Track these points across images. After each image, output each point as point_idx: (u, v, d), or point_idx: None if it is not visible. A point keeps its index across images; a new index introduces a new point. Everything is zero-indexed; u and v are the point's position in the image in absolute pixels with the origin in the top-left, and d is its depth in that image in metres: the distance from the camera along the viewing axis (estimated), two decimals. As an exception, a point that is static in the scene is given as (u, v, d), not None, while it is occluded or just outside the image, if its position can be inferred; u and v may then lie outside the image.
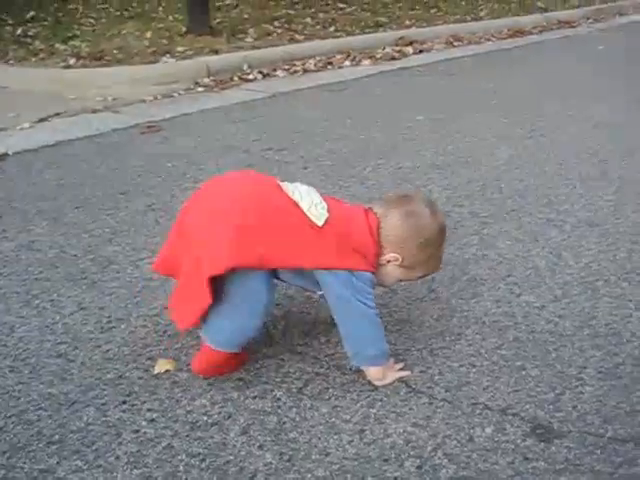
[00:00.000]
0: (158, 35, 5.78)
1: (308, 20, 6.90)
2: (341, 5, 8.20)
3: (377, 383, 1.61)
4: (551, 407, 1.53)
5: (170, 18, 6.61)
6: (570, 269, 2.20)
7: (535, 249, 2.34)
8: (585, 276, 2.15)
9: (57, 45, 5.42)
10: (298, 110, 4.09)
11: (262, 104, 4.31)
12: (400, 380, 1.62)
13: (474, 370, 1.67)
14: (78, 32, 5.93)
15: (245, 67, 5.03)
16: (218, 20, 6.43)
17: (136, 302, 1.96)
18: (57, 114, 4.01)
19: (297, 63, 5.35)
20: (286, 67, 5.24)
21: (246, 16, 7.00)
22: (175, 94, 4.53)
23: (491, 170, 3.11)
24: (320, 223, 1.54)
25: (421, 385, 1.61)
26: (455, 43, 6.93)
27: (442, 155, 3.30)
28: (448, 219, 2.52)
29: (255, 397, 1.56)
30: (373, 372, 1.61)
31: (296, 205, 1.56)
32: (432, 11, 8.39)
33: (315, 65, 5.34)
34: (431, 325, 1.87)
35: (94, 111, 4.11)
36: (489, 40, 7.32)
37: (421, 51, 6.36)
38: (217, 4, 7.28)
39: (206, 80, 4.78)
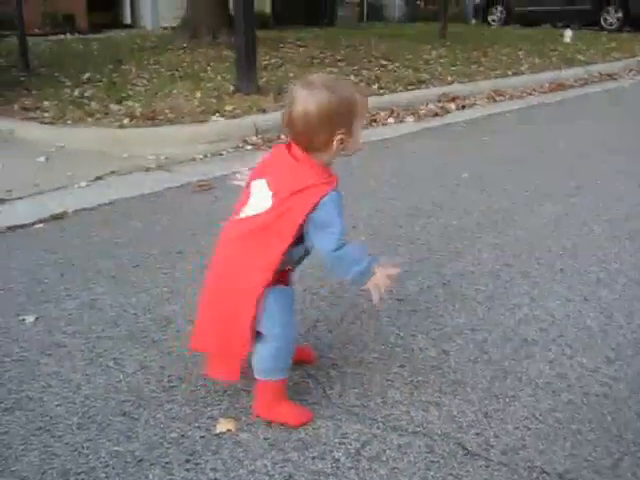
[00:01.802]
0: (207, 95, 5.97)
1: (352, 78, 7.05)
2: (384, 62, 8.37)
3: (375, 296, 1.66)
4: (609, 472, 1.54)
5: (219, 78, 6.83)
6: (622, 330, 2.21)
7: (586, 309, 2.35)
8: (638, 337, 2.16)
9: (111, 105, 5.64)
10: (343, 169, 4.17)
11: (309, 162, 4.41)
12: (456, 443, 1.64)
13: (529, 433, 1.69)
14: (131, 92, 6.16)
15: (292, 125, 5.16)
16: (265, 79, 6.62)
17: (195, 361, 2.02)
18: (112, 172, 4.17)
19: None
20: (331, 125, 5.35)
21: (291, 75, 7.19)
22: (224, 152, 4.68)
23: (539, 229, 3.13)
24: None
25: (477, 448, 1.63)
26: (497, 98, 7.01)
27: (489, 213, 3.34)
28: (498, 279, 2.56)
29: (314, 458, 1.60)
30: (369, 287, 1.67)
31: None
32: (473, 67, 8.51)
33: (366, 120, 5.46)
34: (485, 387, 1.89)
35: (147, 170, 4.26)
36: (531, 94, 7.39)
37: (464, 107, 6.45)
38: (263, 63, 7.50)
39: (254, 138, 4.92)
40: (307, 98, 1.62)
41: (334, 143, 1.66)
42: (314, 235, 1.65)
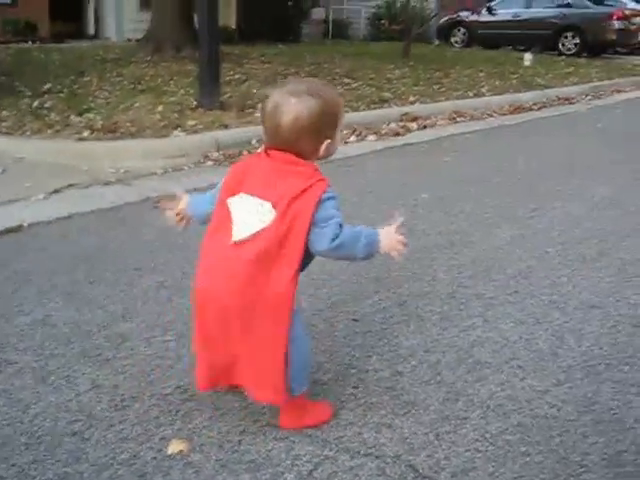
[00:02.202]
0: (169, 109, 5.95)
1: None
2: (347, 80, 8.45)
3: (394, 254, 1.71)
4: (556, 495, 1.56)
5: (181, 92, 6.82)
6: (573, 352, 2.25)
7: (538, 332, 2.39)
8: (587, 360, 2.21)
9: (72, 117, 5.58)
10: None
11: (270, 179, 4.43)
12: (408, 465, 1.66)
13: (479, 455, 1.71)
14: (93, 104, 6.11)
15: (254, 141, 5.17)
16: (228, 94, 6.62)
17: (149, 380, 2.00)
18: (70, 185, 4.12)
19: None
20: (294, 142, 5.38)
21: (255, 90, 7.21)
22: (185, 167, 4.66)
23: (495, 250, 3.19)
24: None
25: (428, 470, 1.65)
26: (458, 119, 7.11)
27: (447, 234, 3.39)
28: (453, 300, 2.60)
29: (266, 480, 1.60)
30: (386, 250, 1.71)
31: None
32: (435, 87, 8.63)
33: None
34: (437, 409, 1.91)
35: (107, 183, 4.22)
36: (491, 116, 7.52)
37: (425, 127, 6.53)
38: (227, 79, 7.50)
39: (215, 154, 4.91)
40: (297, 106, 1.62)
41: (322, 147, 1.68)
42: (313, 234, 1.63)
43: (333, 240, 1.63)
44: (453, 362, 2.16)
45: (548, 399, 1.97)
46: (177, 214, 1.91)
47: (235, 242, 1.65)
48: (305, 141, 1.65)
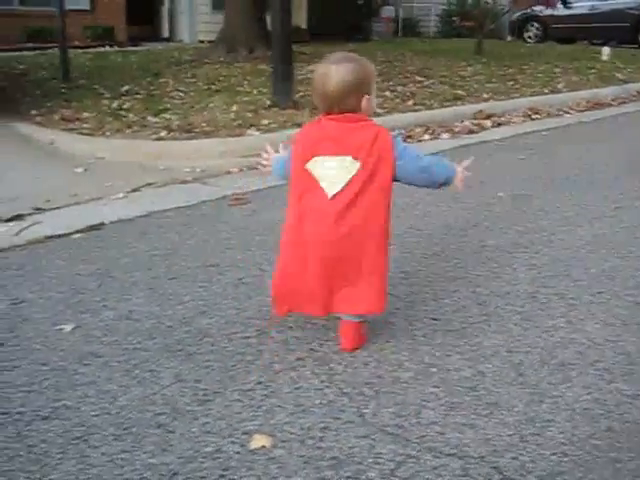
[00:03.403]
0: (243, 108, 6.03)
1: (387, 94, 7.06)
2: (419, 78, 8.38)
3: (460, 185, 2.16)
4: (649, 503, 1.51)
5: (255, 92, 6.90)
6: (662, 355, 2.17)
7: (625, 334, 2.31)
8: (678, 363, 2.12)
9: (149, 118, 5.72)
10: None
11: (344, 177, 4.43)
12: (492, 466, 1.63)
13: (567, 459, 1.66)
14: (169, 105, 6.25)
15: (327, 140, 5.19)
16: (301, 94, 6.66)
17: (230, 375, 2.03)
18: (149, 184, 4.22)
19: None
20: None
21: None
22: (260, 166, 4.69)
23: (576, 249, 3.10)
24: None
25: (513, 472, 1.61)
26: (533, 116, 6.96)
27: (525, 233, 3.31)
28: (534, 300, 2.54)
29: (348, 477, 1.59)
30: (459, 179, 2.16)
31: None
32: (509, 84, 8.47)
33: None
34: (521, 410, 1.87)
35: (183, 182, 4.30)
36: (567, 113, 7.33)
37: (499, 124, 6.42)
38: (299, 77, 7.55)
39: (289, 153, 4.94)
40: (338, 71, 2.00)
41: (363, 102, 2.03)
42: (398, 166, 2.03)
43: (420, 158, 2.08)
44: (536, 363, 2.11)
45: (638, 404, 1.90)
46: (265, 165, 2.39)
47: (333, 195, 2.00)
48: (351, 98, 2.01)
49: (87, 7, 14.64)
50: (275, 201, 3.86)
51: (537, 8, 17.26)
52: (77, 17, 12.79)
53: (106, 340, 2.25)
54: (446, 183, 2.14)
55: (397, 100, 6.82)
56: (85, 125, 5.56)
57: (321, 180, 2.00)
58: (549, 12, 16.88)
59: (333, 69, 2.00)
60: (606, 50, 12.23)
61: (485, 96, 7.45)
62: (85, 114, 5.91)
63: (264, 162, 2.38)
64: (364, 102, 2.03)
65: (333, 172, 1.99)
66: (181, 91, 7.03)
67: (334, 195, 1.99)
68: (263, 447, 1.70)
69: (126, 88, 7.03)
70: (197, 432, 1.76)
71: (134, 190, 4.09)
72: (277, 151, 2.35)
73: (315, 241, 2.02)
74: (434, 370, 2.06)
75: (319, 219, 2.01)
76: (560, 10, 16.92)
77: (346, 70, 2.00)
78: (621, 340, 2.27)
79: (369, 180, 1.98)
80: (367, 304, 2.08)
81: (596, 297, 2.60)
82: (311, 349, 2.18)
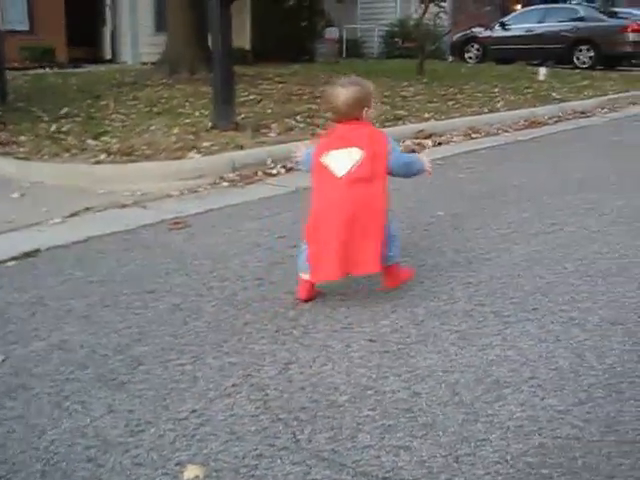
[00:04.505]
0: (185, 131, 5.99)
1: (329, 114, 7.10)
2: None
3: (429, 168, 2.83)
4: (579, 519, 1.52)
5: (196, 114, 6.86)
6: (594, 370, 2.21)
7: (558, 349, 2.35)
8: (609, 378, 2.16)
9: (88, 141, 5.64)
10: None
11: (286, 199, 4.44)
12: (426, 489, 1.63)
13: (500, 478, 1.68)
14: (109, 128, 6.17)
15: (269, 162, 5.19)
16: (243, 115, 6.66)
17: (165, 405, 1.99)
18: (87, 209, 4.14)
19: (319, 157, 5.50)
20: (308, 161, 5.40)
21: (269, 111, 7.25)
22: (201, 189, 4.67)
23: (512, 267, 3.15)
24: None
25: (448, 494, 1.62)
26: (473, 135, 7.10)
27: (463, 252, 3.36)
28: (470, 319, 2.57)
29: (282, 506, 1.57)
30: (426, 167, 2.82)
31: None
32: (450, 103, 8.63)
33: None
34: (456, 430, 1.88)
35: (123, 206, 4.24)
36: (506, 131, 7.49)
37: (440, 143, 6.52)
38: (242, 99, 7.55)
39: (231, 175, 4.93)
40: (347, 90, 2.67)
41: (364, 113, 2.69)
42: (389, 160, 2.65)
43: (402, 155, 2.83)
44: (472, 382, 2.13)
45: (569, 419, 1.93)
46: (297, 156, 2.96)
47: (341, 177, 2.63)
48: (356, 109, 2.67)
49: (26, 27, 14.41)
50: (215, 225, 3.84)
51: (476, 30, 17.71)
52: (15, 38, 12.56)
53: (37, 371, 2.19)
54: (418, 174, 2.83)
55: (339, 121, 6.86)
56: (22, 149, 5.44)
57: (333, 167, 2.64)
58: (488, 33, 17.34)
59: (342, 90, 2.67)
60: (542, 70, 12.58)
61: (426, 116, 7.56)
62: (22, 137, 5.79)
63: (297, 154, 2.95)
64: (365, 113, 2.69)
65: (342, 159, 2.63)
66: (122, 113, 6.95)
67: (342, 175, 2.62)
68: (196, 477, 1.67)
69: (65, 111, 6.92)
70: (128, 464, 1.72)
71: (72, 215, 4.02)
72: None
73: (329, 207, 2.64)
74: (370, 392, 2.06)
75: (333, 191, 2.64)
76: (499, 32, 17.41)
77: (352, 90, 2.67)
78: (554, 356, 2.31)
79: (370, 163, 2.61)
80: (369, 265, 2.64)
81: (531, 314, 2.65)
82: (247, 375, 2.16)
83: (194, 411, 1.95)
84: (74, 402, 2.01)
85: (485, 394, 2.06)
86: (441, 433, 1.86)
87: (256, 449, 1.78)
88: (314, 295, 2.75)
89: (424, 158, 2.86)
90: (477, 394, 2.06)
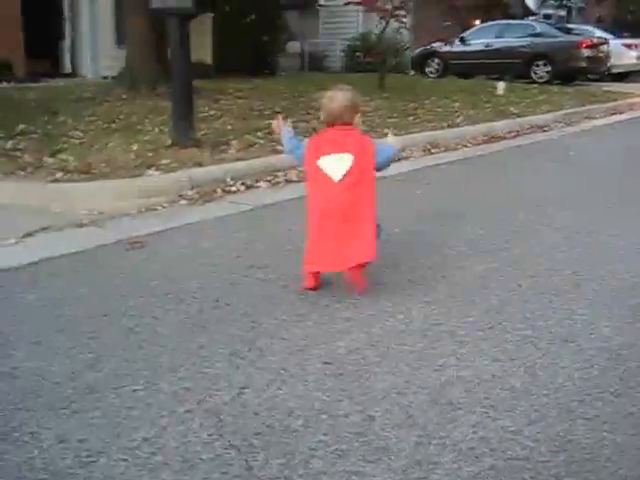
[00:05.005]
0: (144, 148, 5.93)
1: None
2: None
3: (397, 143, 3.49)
4: (528, 542, 1.54)
5: (156, 130, 6.80)
6: (546, 389, 2.24)
7: (512, 369, 2.38)
8: (560, 397, 2.20)
9: (45, 158, 5.55)
10: (280, 223, 4.21)
11: (245, 217, 4.43)
12: (378, 515, 1.63)
13: (452, 502, 1.69)
14: (66, 145, 6.08)
15: (228, 179, 5.17)
16: (203, 132, 6.63)
17: (117, 433, 1.96)
18: (43, 229, 4.08)
19: (279, 174, 5.51)
20: (268, 178, 5.40)
21: (229, 127, 7.23)
22: (159, 207, 4.63)
23: (468, 285, 3.19)
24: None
25: (399, 519, 1.62)
26: (432, 150, 7.17)
27: (419, 269, 3.38)
28: (425, 338, 2.59)
29: (233, 536, 1.56)
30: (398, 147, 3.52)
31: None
32: (410, 118, 8.71)
33: (297, 175, 5.49)
34: (408, 453, 1.88)
35: (79, 225, 4.18)
36: (465, 146, 7.59)
37: (399, 159, 6.56)
38: (202, 115, 7.52)
39: (190, 193, 4.90)
40: (339, 96, 3.00)
41: (355, 118, 3.00)
42: (378, 158, 3.02)
43: (384, 151, 3.11)
44: (425, 404, 2.14)
45: (521, 440, 1.95)
46: (276, 128, 3.35)
47: (338, 181, 2.93)
48: (347, 115, 2.98)
49: (-19, 41, 14.15)
50: (172, 244, 3.81)
51: (437, 44, 17.94)
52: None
53: (-15, 401, 2.14)
54: (396, 159, 3.46)
55: (299, 137, 6.87)
56: (-24, 167, 5.34)
57: (328, 171, 2.93)
58: (448, 48, 17.56)
59: (337, 95, 3.00)
60: (501, 85, 12.77)
61: (386, 131, 7.58)
62: (-24, 155, 5.68)
63: (275, 130, 3.38)
64: (356, 118, 3.01)
65: (337, 165, 2.93)
66: (80, 130, 6.87)
67: (339, 179, 2.92)
68: (146, 509, 1.64)
69: (21, 127, 6.80)
70: (77, 497, 1.69)
71: (27, 235, 3.94)
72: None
73: (329, 208, 2.94)
74: (324, 417, 2.05)
75: (331, 194, 2.94)
76: (458, 46, 17.65)
77: (345, 97, 3.00)
78: (507, 375, 2.34)
79: (361, 167, 2.94)
80: (367, 254, 2.98)
81: (485, 332, 2.68)
82: (201, 400, 2.14)
83: (146, 439, 1.93)
84: (23, 433, 1.97)
85: (438, 416, 2.08)
86: (394, 457, 1.87)
87: (208, 478, 1.76)
88: (319, 285, 3.08)
89: (392, 142, 3.30)
90: (431, 416, 2.07)
